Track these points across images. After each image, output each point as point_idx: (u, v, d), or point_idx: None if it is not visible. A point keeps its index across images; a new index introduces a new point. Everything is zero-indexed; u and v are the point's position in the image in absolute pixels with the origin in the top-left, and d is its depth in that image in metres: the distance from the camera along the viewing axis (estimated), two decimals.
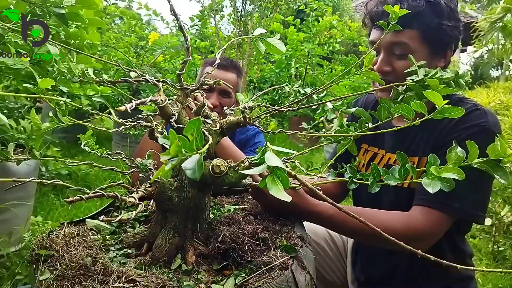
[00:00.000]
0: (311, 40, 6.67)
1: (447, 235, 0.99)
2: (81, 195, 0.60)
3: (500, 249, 2.30)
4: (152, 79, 0.71)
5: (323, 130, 4.28)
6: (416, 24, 0.99)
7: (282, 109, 0.84)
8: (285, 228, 0.83)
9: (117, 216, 0.63)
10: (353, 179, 0.69)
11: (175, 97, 0.77)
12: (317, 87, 1.10)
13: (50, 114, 0.93)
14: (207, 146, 0.44)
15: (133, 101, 0.61)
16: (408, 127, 0.79)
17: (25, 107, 2.47)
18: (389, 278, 1.17)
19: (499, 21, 6.14)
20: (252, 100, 0.94)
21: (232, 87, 1.39)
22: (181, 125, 0.72)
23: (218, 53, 0.90)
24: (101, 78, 0.73)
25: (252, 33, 0.89)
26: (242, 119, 0.80)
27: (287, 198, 0.50)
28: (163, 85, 0.75)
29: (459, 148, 0.71)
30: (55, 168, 3.10)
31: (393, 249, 1.02)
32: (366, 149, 1.23)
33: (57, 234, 0.72)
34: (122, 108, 0.58)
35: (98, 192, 0.63)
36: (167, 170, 0.38)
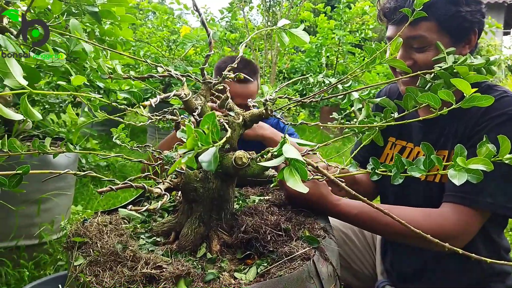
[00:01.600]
0: (342, 28, 6.53)
1: (480, 229, 0.96)
2: (111, 186, 0.63)
3: None
4: (176, 74, 0.74)
5: (354, 120, 4.20)
6: (432, 15, 0.96)
7: (305, 100, 0.84)
8: (308, 219, 0.84)
9: (146, 205, 0.65)
10: (376, 171, 0.69)
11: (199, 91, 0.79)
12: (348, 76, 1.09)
13: (86, 109, 0.98)
14: (224, 139, 0.45)
15: (157, 96, 0.64)
16: (437, 119, 0.77)
17: (66, 102, 2.60)
18: (419, 272, 1.15)
19: None
20: (275, 92, 0.94)
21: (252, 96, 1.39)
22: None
23: (241, 45, 0.91)
24: (128, 75, 0.76)
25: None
26: (264, 111, 0.81)
27: (304, 189, 0.51)
28: (187, 79, 0.77)
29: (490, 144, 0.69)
30: (94, 160, 3.24)
31: (422, 247, 1.00)
32: (394, 142, 1.21)
33: (91, 222, 0.76)
34: (147, 103, 0.61)
35: (127, 183, 0.66)
36: (187, 161, 0.40)
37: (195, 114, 0.71)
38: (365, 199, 0.66)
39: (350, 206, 0.92)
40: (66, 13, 1.65)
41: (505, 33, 11.61)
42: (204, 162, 0.40)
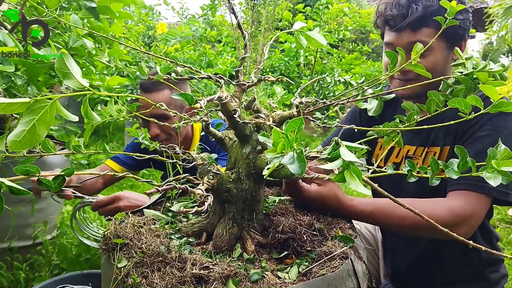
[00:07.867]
0: (321, 28, 6.62)
1: None
2: (157, 188, 0.63)
3: None
4: (214, 77, 0.74)
5: (337, 120, 4.29)
6: (432, 22, 1.03)
7: (333, 102, 0.86)
8: (335, 219, 0.86)
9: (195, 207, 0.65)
10: (412, 173, 0.72)
11: (232, 92, 0.80)
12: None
13: (99, 107, 0.96)
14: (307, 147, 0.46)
15: (204, 98, 0.64)
16: (425, 119, 0.82)
17: None
18: (416, 267, 1.19)
19: None
20: (298, 94, 0.96)
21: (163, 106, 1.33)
22: (244, 121, 0.74)
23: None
24: (168, 76, 0.76)
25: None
26: (295, 113, 0.82)
27: (367, 191, 0.52)
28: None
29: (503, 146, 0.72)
30: (75, 158, 3.15)
31: (435, 238, 1.04)
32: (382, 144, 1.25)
33: (126, 223, 0.75)
34: (198, 105, 0.61)
35: (171, 184, 0.66)
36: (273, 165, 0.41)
37: (235, 116, 0.71)
38: (390, 195, 0.68)
39: (364, 204, 0.94)
40: (59, 8, 1.60)
41: (471, 37, 12.14)
42: (291, 165, 0.41)
